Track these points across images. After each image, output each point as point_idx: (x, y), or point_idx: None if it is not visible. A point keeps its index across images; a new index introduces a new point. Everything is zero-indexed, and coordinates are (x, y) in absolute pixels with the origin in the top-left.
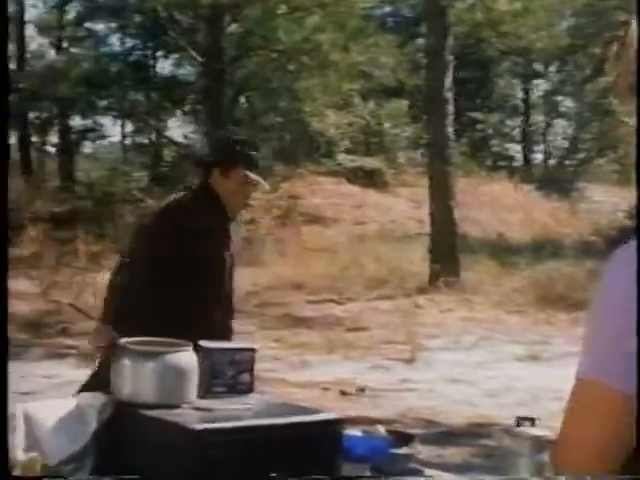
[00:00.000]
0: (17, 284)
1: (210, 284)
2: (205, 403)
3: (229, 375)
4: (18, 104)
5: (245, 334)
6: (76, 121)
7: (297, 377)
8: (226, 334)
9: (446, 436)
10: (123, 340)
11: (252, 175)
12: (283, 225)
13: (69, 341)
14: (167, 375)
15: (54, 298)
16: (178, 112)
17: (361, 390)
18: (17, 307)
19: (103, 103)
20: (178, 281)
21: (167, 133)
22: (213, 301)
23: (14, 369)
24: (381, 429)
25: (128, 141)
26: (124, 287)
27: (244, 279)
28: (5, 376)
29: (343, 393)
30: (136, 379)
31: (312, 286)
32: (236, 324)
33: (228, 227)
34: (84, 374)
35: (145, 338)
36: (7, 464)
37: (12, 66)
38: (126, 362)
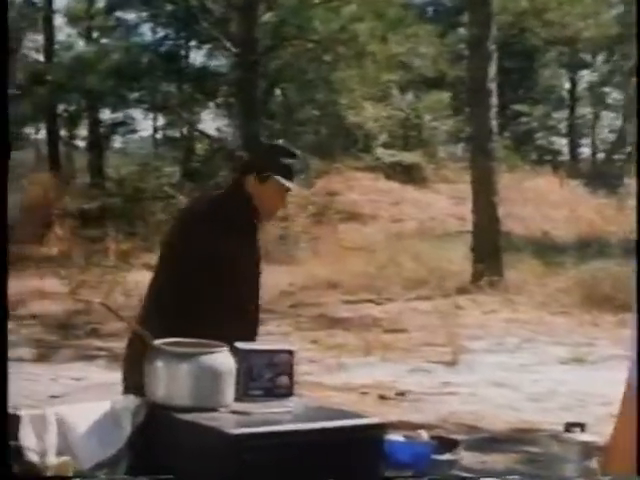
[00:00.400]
0: (45, 283)
1: (239, 285)
2: (242, 406)
3: (267, 378)
4: (46, 97)
5: (280, 335)
6: (106, 114)
7: (334, 380)
8: (252, 337)
9: (489, 442)
10: (157, 341)
11: (288, 183)
12: (319, 222)
13: (99, 342)
14: (203, 377)
15: (83, 298)
16: (211, 104)
17: (401, 394)
18: (45, 307)
19: (134, 95)
20: (208, 282)
21: (199, 126)
22: (242, 303)
23: (43, 371)
24: (424, 434)
25: (159, 135)
26: (155, 287)
27: (278, 278)
28: (5, 376)
29: (382, 397)
30: (170, 381)
31: (349, 286)
32: (271, 325)
33: (258, 229)
34: (114, 376)
35: (180, 339)
36: (7, 464)
37: (40, 57)
38: (160, 364)
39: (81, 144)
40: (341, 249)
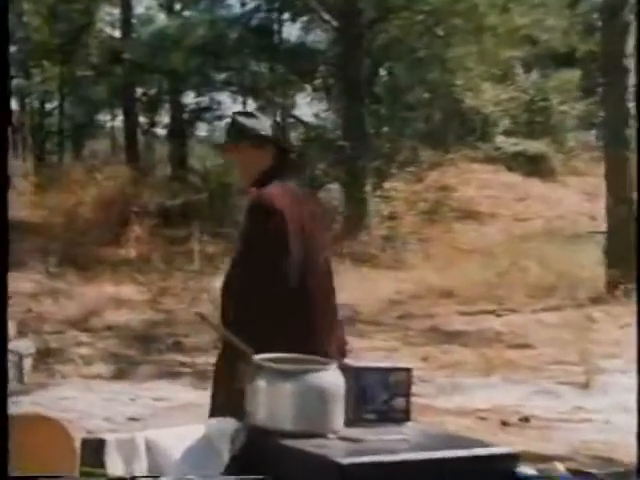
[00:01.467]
0: (122, 290)
1: (325, 288)
2: (353, 432)
3: (382, 400)
4: (123, 78)
5: (387, 351)
6: (189, 98)
7: (447, 403)
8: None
9: (626, 477)
10: (258, 357)
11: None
12: (430, 222)
13: (183, 357)
14: (309, 398)
15: (165, 307)
16: (307, 87)
17: (525, 420)
18: (122, 317)
19: (220, 76)
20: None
21: (294, 112)
22: (329, 310)
23: (120, 390)
24: (560, 467)
25: None
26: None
27: (384, 285)
28: (5, 376)
29: (503, 423)
30: (273, 402)
31: (465, 294)
32: (376, 339)
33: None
34: (200, 396)
35: (283, 355)
36: (7, 464)
37: (116, 33)
38: (261, 382)
39: (162, 132)
40: (456, 252)
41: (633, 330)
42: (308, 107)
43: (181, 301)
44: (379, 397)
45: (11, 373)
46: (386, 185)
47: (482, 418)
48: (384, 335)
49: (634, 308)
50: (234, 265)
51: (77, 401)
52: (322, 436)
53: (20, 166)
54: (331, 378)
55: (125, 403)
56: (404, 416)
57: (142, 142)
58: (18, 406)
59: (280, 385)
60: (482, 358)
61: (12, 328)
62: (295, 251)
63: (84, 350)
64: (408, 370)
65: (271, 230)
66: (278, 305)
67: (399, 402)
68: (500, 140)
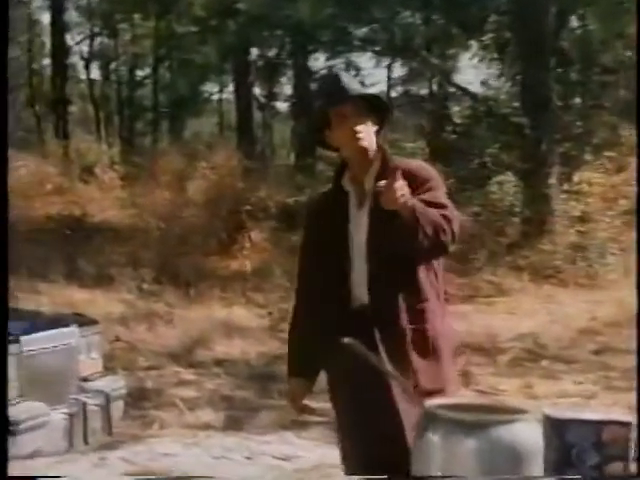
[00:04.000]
0: (234, 314)
1: None
2: None
3: (593, 463)
4: (235, 36)
5: (582, 397)
6: (319, 61)
7: None
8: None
9: None
10: (431, 403)
11: None
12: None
13: (312, 402)
14: (498, 458)
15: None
16: (473, 44)
17: None
18: (235, 349)
19: (359, 31)
20: None
21: (456, 78)
22: None
23: (234, 445)
24: None
25: (396, 91)
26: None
27: (575, 309)
28: (5, 376)
29: None
30: (450, 462)
31: None
32: (566, 380)
33: None
34: (336, 453)
35: (461, 399)
36: (7, 464)
37: None
38: (434, 436)
39: (283, 107)
40: None
41: None
42: (474, 72)
43: None
44: (589, 459)
45: (96, 420)
46: (576, 177)
47: None
48: (576, 375)
49: None
50: None
51: (179, 459)
52: None
53: (104, 153)
54: (527, 432)
55: (240, 462)
56: None
57: (258, 120)
58: (105, 464)
59: (460, 440)
60: None
61: (97, 361)
62: None
63: (188, 392)
64: (627, 424)
65: None
66: None
67: (615, 467)
68: None
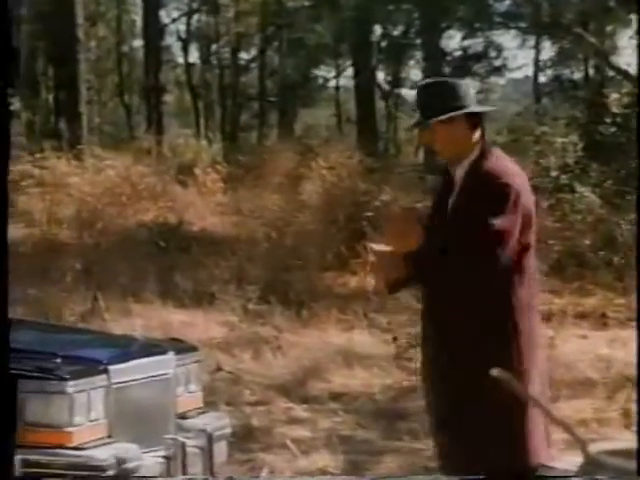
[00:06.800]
0: (355, 339)
1: None
2: None
3: None
4: (356, 10)
5: None
6: (454, 41)
7: None
8: None
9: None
10: (596, 449)
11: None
12: None
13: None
14: None
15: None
16: (634, 19)
17: None
18: (356, 381)
19: (501, 6)
20: None
21: (615, 60)
22: None
23: None
24: None
25: (544, 77)
26: None
27: None
28: (6, 376)
29: None
30: None
31: None
32: None
33: None
34: None
35: (623, 444)
36: (7, 464)
37: None
38: None
39: (410, 95)
40: None
41: None
42: (636, 53)
43: None
44: None
45: (196, 464)
46: None
47: None
48: None
49: None
50: None
51: None
52: None
53: (203, 150)
54: None
55: None
56: None
57: (381, 111)
58: None
59: None
60: None
61: (197, 395)
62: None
63: (301, 431)
64: None
65: None
66: None
67: None
68: None
